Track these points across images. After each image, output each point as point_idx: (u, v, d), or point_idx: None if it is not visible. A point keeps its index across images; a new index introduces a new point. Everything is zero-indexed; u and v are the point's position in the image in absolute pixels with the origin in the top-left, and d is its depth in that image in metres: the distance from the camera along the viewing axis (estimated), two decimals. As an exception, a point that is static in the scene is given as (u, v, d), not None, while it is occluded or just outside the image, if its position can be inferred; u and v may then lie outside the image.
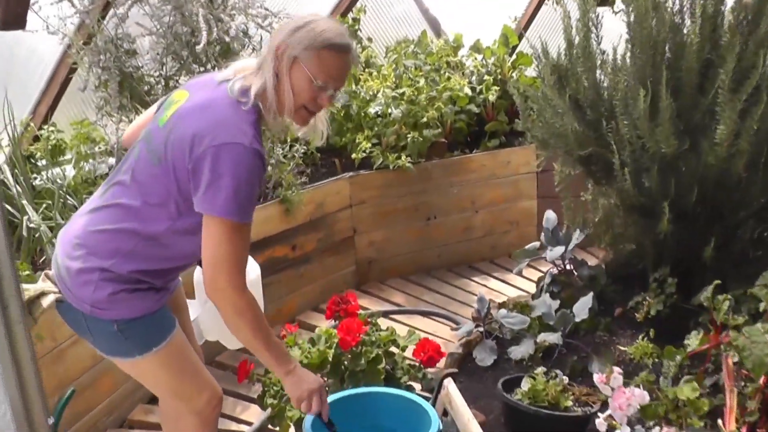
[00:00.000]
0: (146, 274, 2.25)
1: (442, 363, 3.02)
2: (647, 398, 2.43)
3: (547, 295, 3.23)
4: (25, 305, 2.30)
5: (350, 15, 5.69)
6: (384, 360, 2.80)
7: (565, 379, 2.83)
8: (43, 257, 3.82)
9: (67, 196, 3.96)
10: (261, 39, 4.76)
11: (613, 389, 2.51)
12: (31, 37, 4.02)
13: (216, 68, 4.55)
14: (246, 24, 4.66)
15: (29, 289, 2.30)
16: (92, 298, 2.22)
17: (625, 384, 2.54)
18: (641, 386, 2.51)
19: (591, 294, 3.09)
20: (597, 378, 2.58)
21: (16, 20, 2.75)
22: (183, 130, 2.15)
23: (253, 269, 2.55)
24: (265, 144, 3.69)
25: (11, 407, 1.43)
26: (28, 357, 1.45)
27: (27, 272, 3.55)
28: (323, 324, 3.99)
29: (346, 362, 2.84)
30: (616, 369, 2.56)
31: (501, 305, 3.51)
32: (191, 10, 4.08)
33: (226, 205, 2.07)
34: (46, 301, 2.30)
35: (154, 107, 2.48)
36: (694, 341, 2.57)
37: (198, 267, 2.52)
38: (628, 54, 3.29)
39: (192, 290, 3.23)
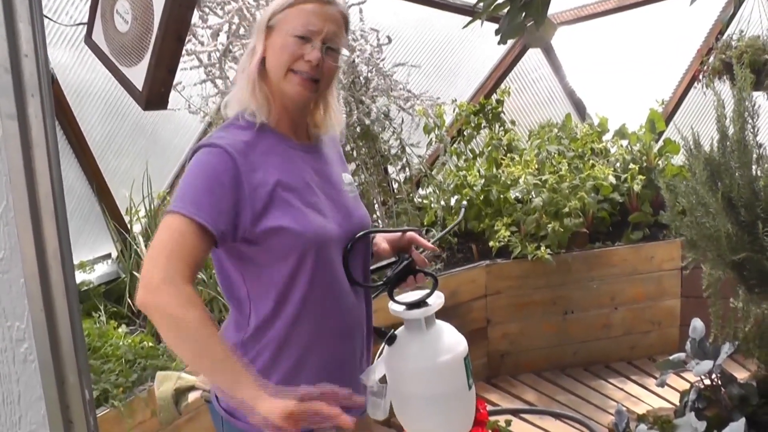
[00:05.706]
0: (269, 335, 1.91)
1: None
2: None
3: (692, 414, 2.94)
4: (174, 394, 2.18)
5: (494, 96, 5.62)
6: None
7: None
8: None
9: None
10: (402, 121, 4.73)
11: None
12: (173, 114, 4.14)
13: (354, 150, 4.55)
14: (388, 106, 4.64)
15: (184, 378, 2.18)
16: (226, 403, 1.96)
17: None
18: None
19: (743, 420, 2.79)
20: None
21: (158, 101, 2.79)
22: None
23: (454, 344, 1.98)
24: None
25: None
26: None
27: (151, 344, 3.59)
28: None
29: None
30: None
31: (640, 418, 3.24)
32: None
33: (173, 202, 1.80)
34: (192, 396, 2.17)
35: None
36: None
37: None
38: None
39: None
